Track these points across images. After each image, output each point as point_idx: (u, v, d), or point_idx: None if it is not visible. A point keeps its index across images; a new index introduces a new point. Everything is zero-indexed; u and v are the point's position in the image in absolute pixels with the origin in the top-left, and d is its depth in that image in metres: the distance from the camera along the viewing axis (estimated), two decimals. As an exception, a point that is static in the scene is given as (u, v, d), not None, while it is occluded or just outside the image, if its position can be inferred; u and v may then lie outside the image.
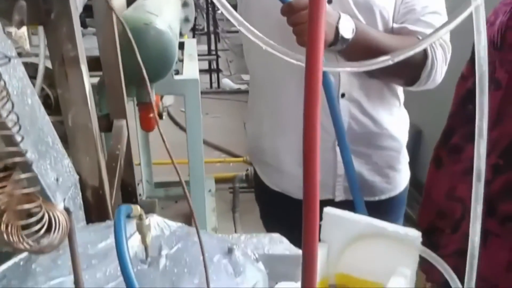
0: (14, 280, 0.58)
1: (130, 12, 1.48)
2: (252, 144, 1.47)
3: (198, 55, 2.11)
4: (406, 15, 1.19)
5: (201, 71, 1.81)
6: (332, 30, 1.06)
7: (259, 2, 1.22)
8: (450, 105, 1.23)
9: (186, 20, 2.18)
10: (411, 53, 0.56)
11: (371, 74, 1.22)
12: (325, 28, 0.38)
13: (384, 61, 0.58)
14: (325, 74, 1.04)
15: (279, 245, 0.71)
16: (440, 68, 1.18)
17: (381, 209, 1.32)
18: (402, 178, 1.40)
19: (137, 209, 0.59)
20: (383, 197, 1.38)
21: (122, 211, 0.52)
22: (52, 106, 1.32)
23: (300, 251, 0.68)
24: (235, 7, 1.11)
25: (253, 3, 1.24)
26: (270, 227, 1.51)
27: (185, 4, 2.17)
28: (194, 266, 0.60)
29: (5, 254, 0.66)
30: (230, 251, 0.63)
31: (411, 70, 1.19)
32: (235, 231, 3.04)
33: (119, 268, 0.51)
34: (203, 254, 0.49)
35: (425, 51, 1.16)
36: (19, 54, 1.36)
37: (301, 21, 1.01)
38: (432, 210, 1.25)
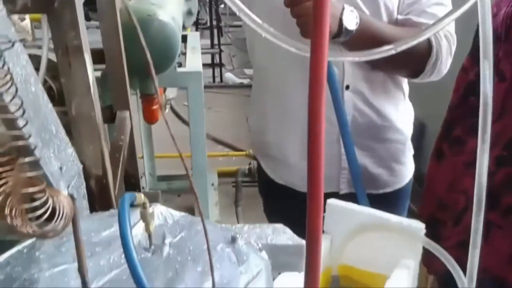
0: (18, 267, 0.58)
1: (134, 3, 1.48)
2: (256, 137, 1.47)
3: (201, 49, 2.11)
4: (411, 6, 1.19)
5: (204, 65, 1.81)
6: (336, 22, 1.05)
7: None
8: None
9: (189, 13, 2.18)
10: (414, 42, 0.56)
11: (375, 65, 1.22)
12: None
13: (387, 50, 0.58)
14: (328, 65, 1.04)
15: (283, 235, 0.71)
16: (445, 60, 1.18)
17: (385, 202, 1.32)
18: (407, 171, 1.40)
19: (140, 197, 0.59)
20: (388, 190, 1.38)
21: (126, 198, 0.52)
22: (55, 98, 1.32)
23: (303, 241, 0.68)
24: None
25: None
26: (273, 220, 1.50)
27: (188, -3, 2.17)
28: (198, 254, 0.59)
29: (8, 244, 0.66)
30: (233, 240, 0.63)
31: (415, 62, 1.18)
32: (238, 225, 3.03)
33: (123, 255, 0.51)
34: (207, 241, 0.49)
35: (429, 43, 1.16)
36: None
37: (305, 12, 1.01)
38: (433, 202, 1.25)
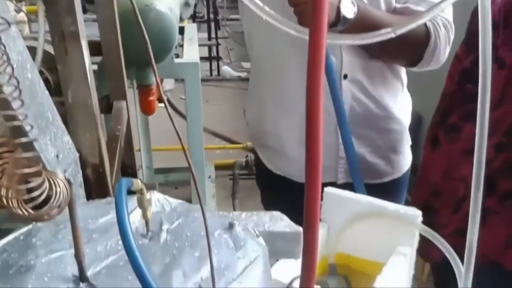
0: (14, 253, 0.58)
1: (130, -7, 1.47)
2: (254, 128, 1.47)
3: (198, 42, 2.09)
4: (409, -5, 1.18)
5: (201, 58, 1.79)
6: (334, 10, 1.05)
7: None
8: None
9: (186, 4, 2.16)
10: (413, 25, 0.56)
11: (373, 54, 1.22)
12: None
13: (386, 33, 0.58)
14: (326, 55, 1.03)
15: (280, 222, 0.71)
16: (443, 48, 1.17)
17: (383, 192, 1.31)
18: (404, 161, 1.40)
19: (138, 183, 0.58)
20: (386, 179, 1.38)
21: (123, 183, 0.52)
22: (51, 90, 1.32)
23: (300, 228, 0.68)
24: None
25: None
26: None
27: (185, -12, 2.15)
28: (195, 240, 0.59)
29: (5, 232, 0.66)
30: (231, 226, 0.63)
31: (414, 50, 1.18)
32: (235, 218, 3.04)
33: (120, 242, 0.50)
34: (205, 225, 0.49)
35: (427, 30, 1.15)
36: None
37: (303, 0, 1.00)
38: (427, 189, 1.25)
